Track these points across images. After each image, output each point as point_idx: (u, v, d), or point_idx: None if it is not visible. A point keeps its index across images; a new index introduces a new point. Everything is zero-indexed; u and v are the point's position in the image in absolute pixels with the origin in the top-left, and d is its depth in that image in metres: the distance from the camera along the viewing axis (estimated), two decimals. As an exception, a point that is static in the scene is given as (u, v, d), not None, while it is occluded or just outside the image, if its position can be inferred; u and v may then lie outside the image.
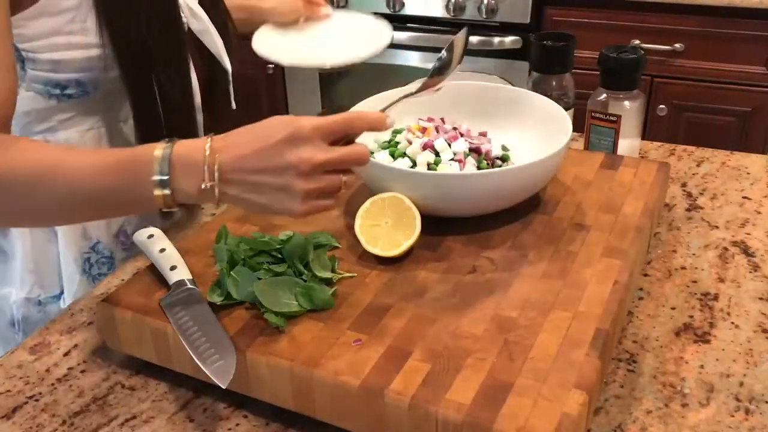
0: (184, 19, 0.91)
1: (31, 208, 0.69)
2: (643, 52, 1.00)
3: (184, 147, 0.66)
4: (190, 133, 0.93)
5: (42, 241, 0.93)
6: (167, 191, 0.65)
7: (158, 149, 0.65)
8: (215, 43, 0.94)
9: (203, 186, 0.64)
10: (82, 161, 0.68)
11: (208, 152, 0.64)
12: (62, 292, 0.95)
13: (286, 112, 1.26)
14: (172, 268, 0.74)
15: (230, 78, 0.99)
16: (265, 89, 2.40)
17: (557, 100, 0.97)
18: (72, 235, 0.92)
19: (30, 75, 0.83)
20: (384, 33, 1.07)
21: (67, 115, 0.87)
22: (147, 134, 0.89)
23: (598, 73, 1.01)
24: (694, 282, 0.84)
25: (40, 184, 0.67)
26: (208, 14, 0.95)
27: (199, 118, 0.98)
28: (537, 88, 1.03)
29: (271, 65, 2.36)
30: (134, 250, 0.97)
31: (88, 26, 0.81)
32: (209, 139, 0.65)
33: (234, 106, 1.02)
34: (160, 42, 0.84)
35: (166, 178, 0.64)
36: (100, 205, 0.69)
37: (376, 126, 0.69)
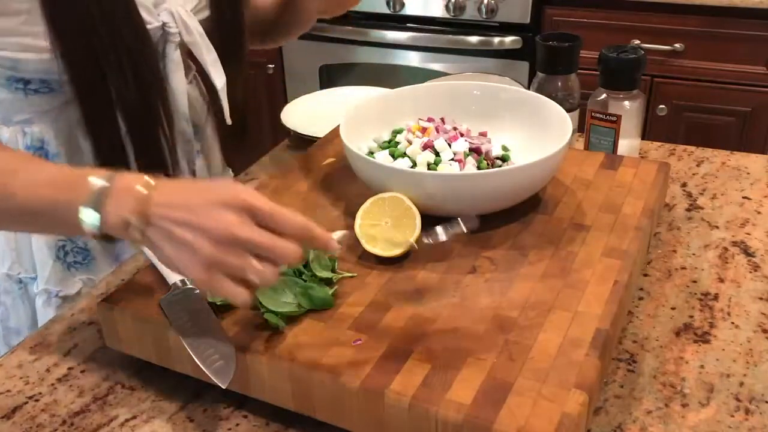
0: (176, 30, 0.91)
1: None
2: (643, 52, 1.00)
3: (123, 180, 0.65)
4: (155, 140, 0.91)
5: None
6: (96, 224, 0.64)
7: (98, 179, 0.65)
8: (203, 57, 0.94)
9: (129, 219, 0.63)
10: (25, 173, 0.68)
11: (144, 190, 0.64)
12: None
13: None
14: (172, 268, 0.74)
15: (221, 94, 0.98)
16: (264, 89, 2.40)
17: (562, 101, 0.97)
18: None
19: None
20: None
21: (42, 108, 0.87)
22: (100, 143, 0.88)
23: (598, 73, 1.01)
24: (694, 282, 0.84)
25: None
26: (218, 28, 0.96)
27: (188, 128, 0.97)
28: (542, 89, 1.03)
29: (271, 65, 2.36)
30: (119, 242, 0.98)
31: (39, 30, 0.80)
32: (149, 178, 0.65)
33: (229, 121, 1.01)
34: (112, 46, 0.83)
35: (95, 212, 0.64)
36: (30, 220, 0.69)
37: (312, 242, 0.65)
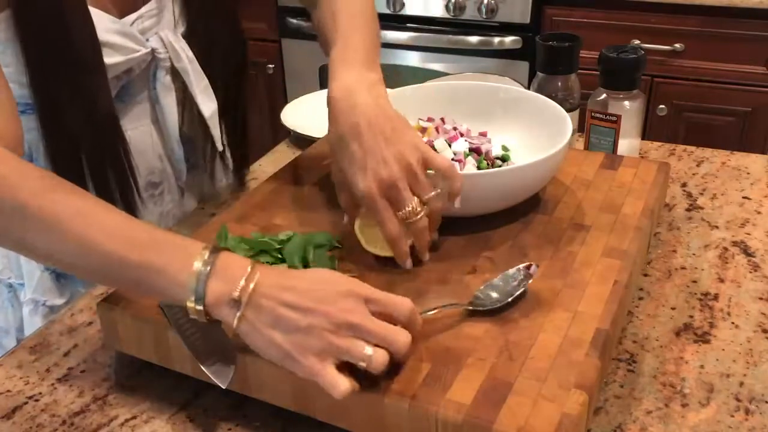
0: (166, 55, 0.90)
1: (43, 249, 0.65)
2: (643, 52, 1.00)
3: (224, 258, 0.62)
4: (118, 180, 0.90)
5: None
6: (200, 308, 0.61)
7: (198, 261, 0.61)
8: (192, 84, 0.93)
9: (233, 295, 0.60)
10: (116, 229, 0.63)
11: (249, 269, 0.61)
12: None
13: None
14: (172, 268, 0.74)
15: (209, 122, 0.97)
16: (264, 89, 2.41)
17: (562, 101, 0.97)
18: None
19: None
20: None
21: (29, 125, 0.85)
22: (61, 171, 0.88)
23: (598, 73, 1.01)
24: (694, 282, 0.84)
25: (71, 235, 0.63)
26: (217, 54, 0.96)
27: (179, 150, 0.97)
28: (542, 89, 1.03)
29: (271, 65, 2.36)
30: None
31: (17, 61, 0.81)
32: (253, 262, 0.62)
33: (220, 147, 1.00)
34: (68, 83, 0.83)
35: (200, 292, 0.61)
36: (111, 278, 0.66)
37: (409, 327, 0.63)
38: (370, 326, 0.60)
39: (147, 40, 0.89)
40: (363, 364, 0.60)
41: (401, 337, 0.61)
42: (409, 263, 0.75)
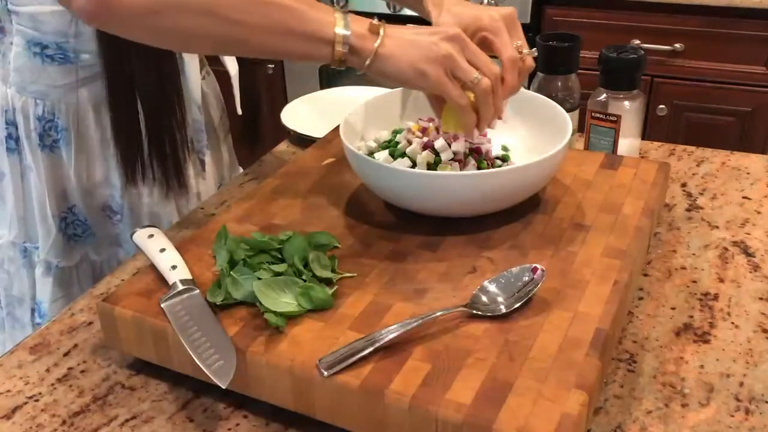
0: None
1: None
2: (643, 52, 1.00)
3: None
4: (169, 128, 0.95)
5: (28, 190, 0.98)
6: (347, 32, 0.72)
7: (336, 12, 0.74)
8: None
9: (372, 22, 0.73)
10: None
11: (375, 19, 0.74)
12: None
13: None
14: (172, 268, 0.74)
15: (233, 81, 1.00)
16: (265, 89, 2.41)
17: (563, 101, 0.97)
18: (52, 194, 0.97)
19: (15, 29, 0.87)
20: None
21: (56, 82, 0.89)
22: (119, 119, 0.92)
23: (598, 73, 1.01)
24: (694, 282, 0.84)
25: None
26: None
27: (200, 116, 0.98)
28: (542, 89, 1.03)
29: (271, 65, 2.36)
30: (118, 224, 1.00)
31: None
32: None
33: (239, 111, 1.02)
34: None
35: (347, 30, 0.72)
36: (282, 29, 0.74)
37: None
38: (473, 47, 0.75)
39: None
40: (476, 77, 0.74)
41: (495, 68, 0.76)
42: (474, 134, 0.82)
